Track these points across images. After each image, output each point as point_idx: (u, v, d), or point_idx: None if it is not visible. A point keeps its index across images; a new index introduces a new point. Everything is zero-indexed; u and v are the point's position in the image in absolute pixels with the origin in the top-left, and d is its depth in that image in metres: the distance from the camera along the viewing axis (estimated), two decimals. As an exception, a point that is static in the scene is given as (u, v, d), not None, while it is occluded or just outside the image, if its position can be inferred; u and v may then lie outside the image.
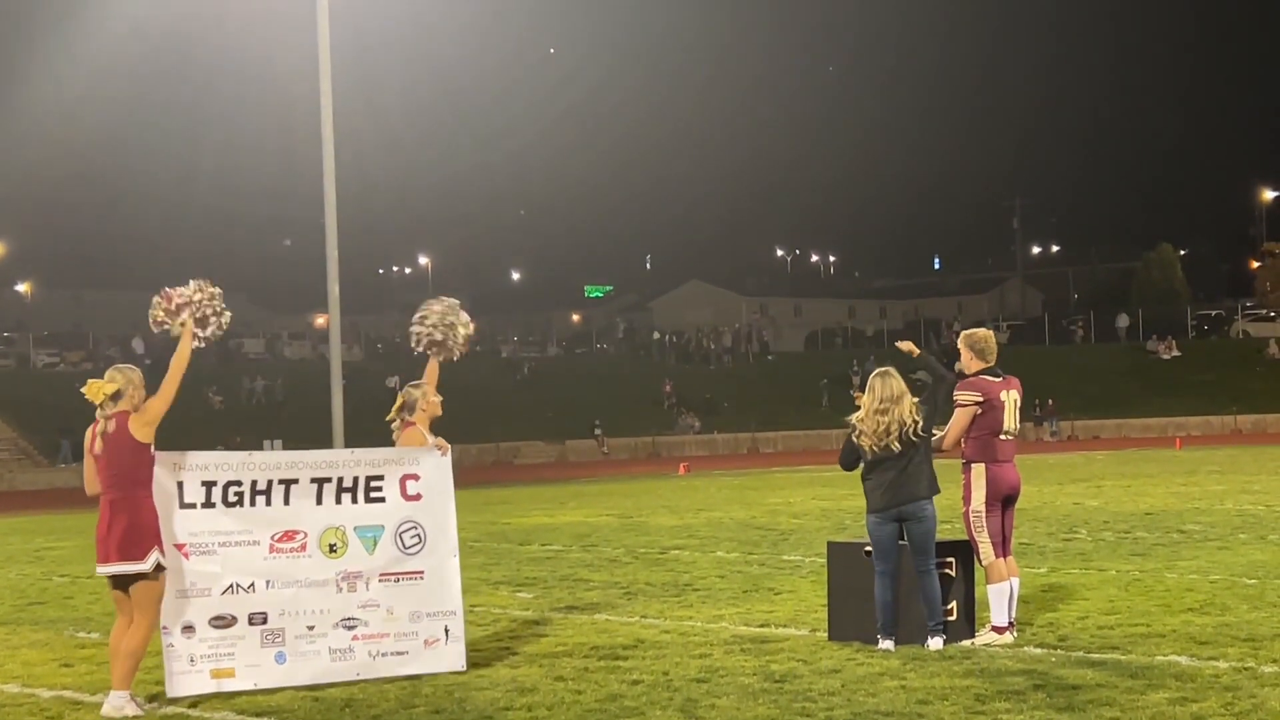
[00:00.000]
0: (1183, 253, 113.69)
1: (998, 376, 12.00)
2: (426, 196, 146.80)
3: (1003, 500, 11.88)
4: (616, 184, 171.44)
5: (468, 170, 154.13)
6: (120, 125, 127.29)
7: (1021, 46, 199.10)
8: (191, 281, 10.40)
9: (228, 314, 10.47)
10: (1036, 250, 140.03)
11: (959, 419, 11.85)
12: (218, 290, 10.43)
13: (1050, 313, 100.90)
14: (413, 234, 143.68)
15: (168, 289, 10.32)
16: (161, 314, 10.28)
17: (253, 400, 68.85)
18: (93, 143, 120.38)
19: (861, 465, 11.76)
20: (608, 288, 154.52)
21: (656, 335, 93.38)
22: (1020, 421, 12.17)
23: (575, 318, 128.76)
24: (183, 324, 10.23)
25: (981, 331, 12.44)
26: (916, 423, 11.52)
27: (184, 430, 62.93)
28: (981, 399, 11.81)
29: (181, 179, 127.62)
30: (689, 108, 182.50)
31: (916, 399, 11.64)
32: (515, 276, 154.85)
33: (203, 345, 10.36)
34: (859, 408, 11.78)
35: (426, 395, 11.85)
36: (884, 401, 11.51)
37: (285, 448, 51.01)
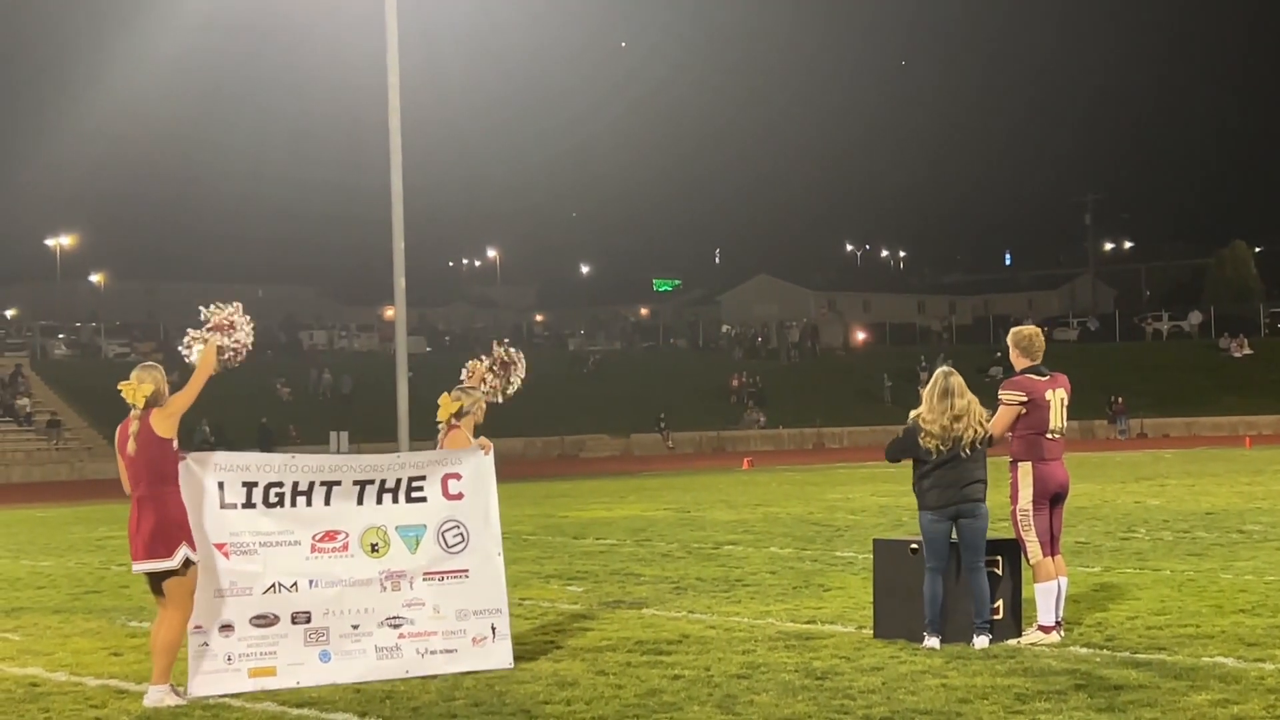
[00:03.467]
0: (1257, 250, 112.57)
1: (1043, 375, 11.94)
2: (495, 189, 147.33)
3: (1051, 498, 11.82)
4: (685, 178, 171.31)
5: (537, 163, 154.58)
6: (191, 120, 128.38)
7: (1094, 40, 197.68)
8: (227, 307, 10.45)
9: (251, 338, 10.54)
10: (1109, 246, 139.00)
11: (1002, 416, 11.81)
12: (249, 321, 10.51)
13: (1122, 310, 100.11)
14: (481, 226, 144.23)
15: (216, 316, 10.40)
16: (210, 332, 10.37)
17: (320, 392, 69.24)
18: (165, 137, 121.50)
19: (914, 464, 11.71)
20: (676, 281, 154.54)
21: (724, 329, 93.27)
22: (1066, 420, 12.10)
23: (643, 311, 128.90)
24: (207, 338, 10.32)
25: (1027, 329, 12.36)
26: (984, 430, 11.52)
27: (253, 420, 62.97)
28: (1026, 398, 11.77)
29: (251, 172, 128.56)
30: (759, 102, 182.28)
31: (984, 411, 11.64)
32: (584, 270, 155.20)
33: (224, 360, 10.42)
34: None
35: (479, 402, 11.94)
36: (959, 410, 11.49)
37: (351, 440, 51.50)
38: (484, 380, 12.25)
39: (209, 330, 10.32)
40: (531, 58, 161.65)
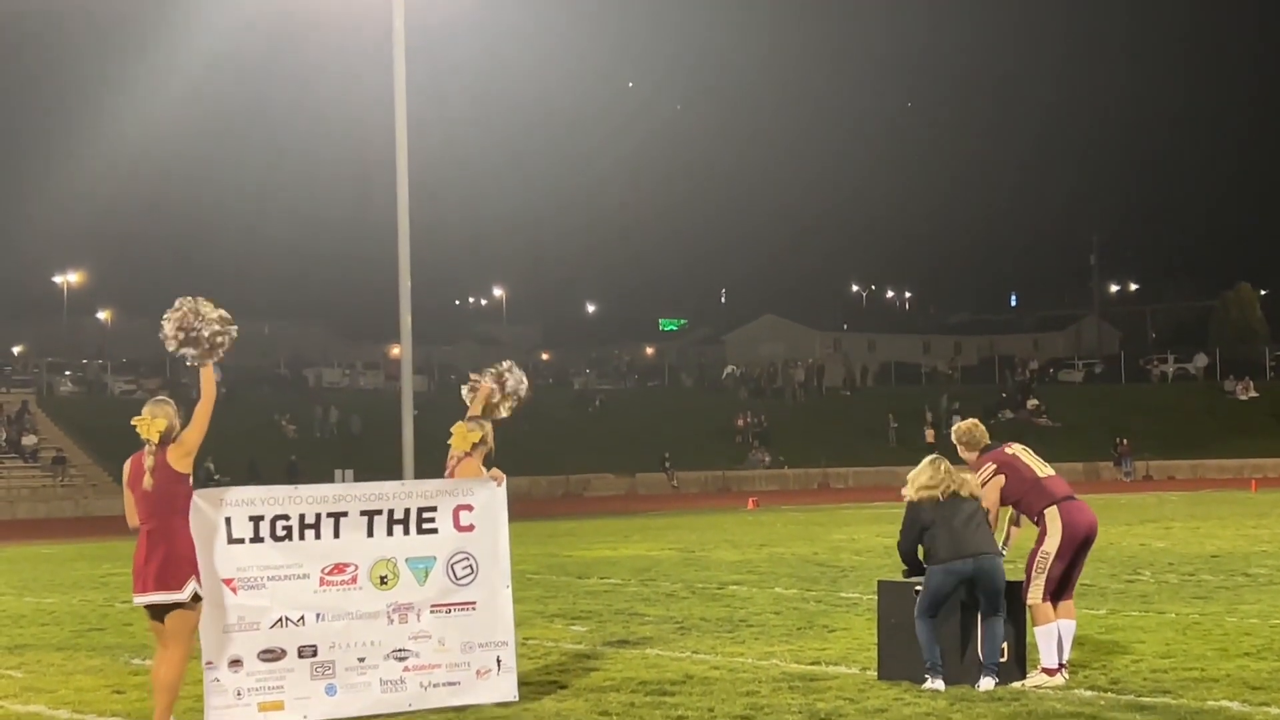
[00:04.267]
0: (1263, 292, 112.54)
1: (995, 446, 12.14)
2: (501, 228, 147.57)
3: (1080, 544, 11.74)
4: (691, 217, 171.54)
5: (543, 202, 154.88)
6: (199, 157, 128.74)
7: (1100, 83, 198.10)
8: (202, 305, 10.43)
9: (234, 330, 10.53)
10: (1114, 288, 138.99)
11: (989, 493, 11.90)
12: (224, 314, 10.50)
13: (1127, 351, 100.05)
14: (488, 265, 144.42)
15: (184, 306, 10.39)
16: (175, 329, 10.35)
17: (325, 429, 69.21)
18: (173, 174, 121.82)
19: (923, 532, 11.66)
20: (682, 321, 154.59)
21: (729, 369, 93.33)
22: (1047, 463, 12.25)
23: (649, 350, 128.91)
24: (194, 351, 10.32)
25: (964, 424, 12.53)
26: (980, 491, 11.63)
27: (256, 457, 62.86)
28: (994, 465, 11.91)
29: (259, 210, 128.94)
30: (765, 141, 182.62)
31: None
32: (590, 309, 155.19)
33: (220, 354, 10.45)
34: (929, 443, 11.83)
35: (489, 434, 11.96)
36: (945, 471, 11.64)
37: (356, 477, 51.44)
38: (491, 394, 12.26)
39: (180, 347, 10.32)
40: (538, 97, 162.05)
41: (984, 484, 11.84)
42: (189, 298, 10.46)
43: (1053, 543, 11.66)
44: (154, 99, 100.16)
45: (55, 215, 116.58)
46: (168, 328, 10.35)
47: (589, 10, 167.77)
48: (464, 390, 12.45)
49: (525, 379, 12.54)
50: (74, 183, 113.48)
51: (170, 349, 10.33)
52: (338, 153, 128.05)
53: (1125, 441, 69.92)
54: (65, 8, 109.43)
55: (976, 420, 12.57)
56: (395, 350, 63.19)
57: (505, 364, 12.57)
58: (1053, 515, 11.73)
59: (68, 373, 76.06)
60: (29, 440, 61.69)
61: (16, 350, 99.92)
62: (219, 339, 10.34)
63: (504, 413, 12.30)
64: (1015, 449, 12.14)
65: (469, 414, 12.14)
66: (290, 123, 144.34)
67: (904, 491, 11.80)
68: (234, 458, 53.59)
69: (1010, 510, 12.09)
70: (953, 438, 12.43)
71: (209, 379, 10.29)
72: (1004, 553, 11.78)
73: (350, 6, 36.88)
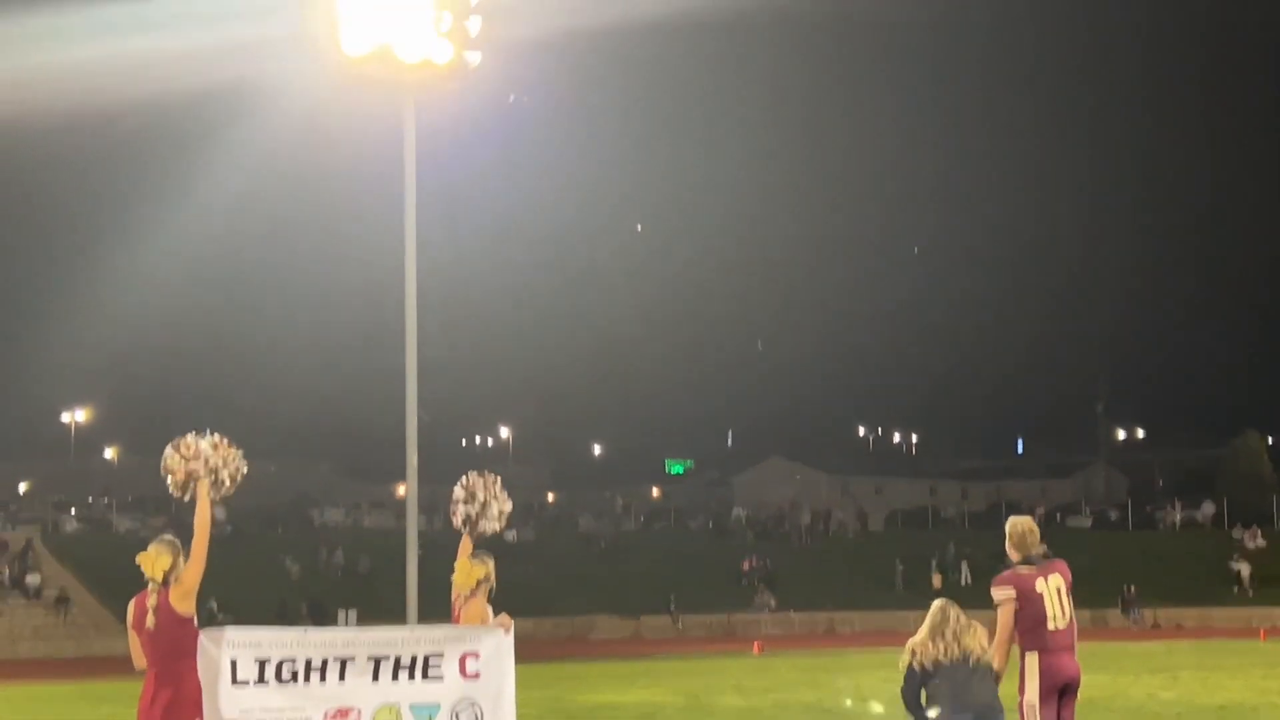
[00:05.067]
0: (1270, 440, 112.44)
1: (1033, 565, 11.89)
2: (509, 368, 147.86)
3: (1060, 690, 11.73)
4: (699, 360, 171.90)
5: (550, 343, 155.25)
6: (206, 297, 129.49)
7: (1107, 232, 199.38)
8: (205, 439, 10.49)
9: (244, 468, 10.57)
10: (1121, 435, 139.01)
11: (1001, 619, 11.77)
12: (237, 450, 10.54)
13: (1135, 498, 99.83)
14: (495, 405, 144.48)
15: (184, 441, 10.45)
16: (177, 466, 10.39)
17: (331, 569, 68.97)
18: (179, 313, 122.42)
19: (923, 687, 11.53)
20: (689, 462, 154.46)
21: (737, 512, 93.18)
22: (1070, 608, 11.93)
23: (655, 492, 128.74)
24: (198, 482, 10.35)
25: (1021, 524, 12.22)
26: (988, 651, 11.39)
27: (260, 597, 62.67)
28: (1014, 593, 11.73)
29: (266, 349, 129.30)
30: (772, 285, 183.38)
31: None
32: (596, 450, 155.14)
33: (217, 501, 10.48)
34: (937, 589, 11.75)
35: (492, 571, 11.94)
36: (953, 632, 11.41)
37: (360, 618, 51.24)
38: (474, 495, 12.17)
39: (191, 469, 10.34)
40: (546, 240, 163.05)
41: (998, 604, 11.76)
42: (189, 435, 10.53)
43: (1033, 689, 11.65)
44: (160, 241, 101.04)
45: (63, 354, 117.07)
46: (168, 463, 10.41)
47: (600, 154, 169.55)
48: (458, 490, 12.34)
49: (492, 496, 12.33)
50: (82, 321, 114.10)
51: (171, 486, 10.38)
52: (345, 292, 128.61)
53: (1133, 589, 69.56)
54: (68, 150, 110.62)
55: (1034, 525, 12.27)
56: (401, 489, 63.17)
57: (474, 478, 12.41)
58: (1032, 661, 11.71)
59: (73, 510, 76.03)
60: (33, 579, 61.50)
61: (22, 488, 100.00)
62: (223, 475, 10.38)
63: (494, 526, 12.23)
64: (1051, 584, 11.82)
65: (461, 545, 12.08)
66: (298, 262, 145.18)
67: (911, 643, 11.61)
68: (238, 597, 53.38)
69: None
70: (1006, 528, 12.26)
71: (204, 511, 10.32)
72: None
73: (360, 151, 37.32)
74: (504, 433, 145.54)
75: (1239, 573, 73.38)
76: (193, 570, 10.07)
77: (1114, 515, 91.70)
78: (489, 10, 21.39)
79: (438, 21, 20.84)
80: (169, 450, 10.45)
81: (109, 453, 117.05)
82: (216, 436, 10.55)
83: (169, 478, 10.44)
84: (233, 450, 10.53)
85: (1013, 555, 12.00)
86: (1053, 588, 11.80)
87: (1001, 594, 11.76)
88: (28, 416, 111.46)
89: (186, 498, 10.42)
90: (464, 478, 12.34)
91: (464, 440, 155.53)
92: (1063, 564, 11.99)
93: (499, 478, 12.41)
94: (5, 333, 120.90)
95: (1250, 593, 72.20)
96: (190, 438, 10.47)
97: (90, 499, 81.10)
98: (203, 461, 10.38)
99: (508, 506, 12.33)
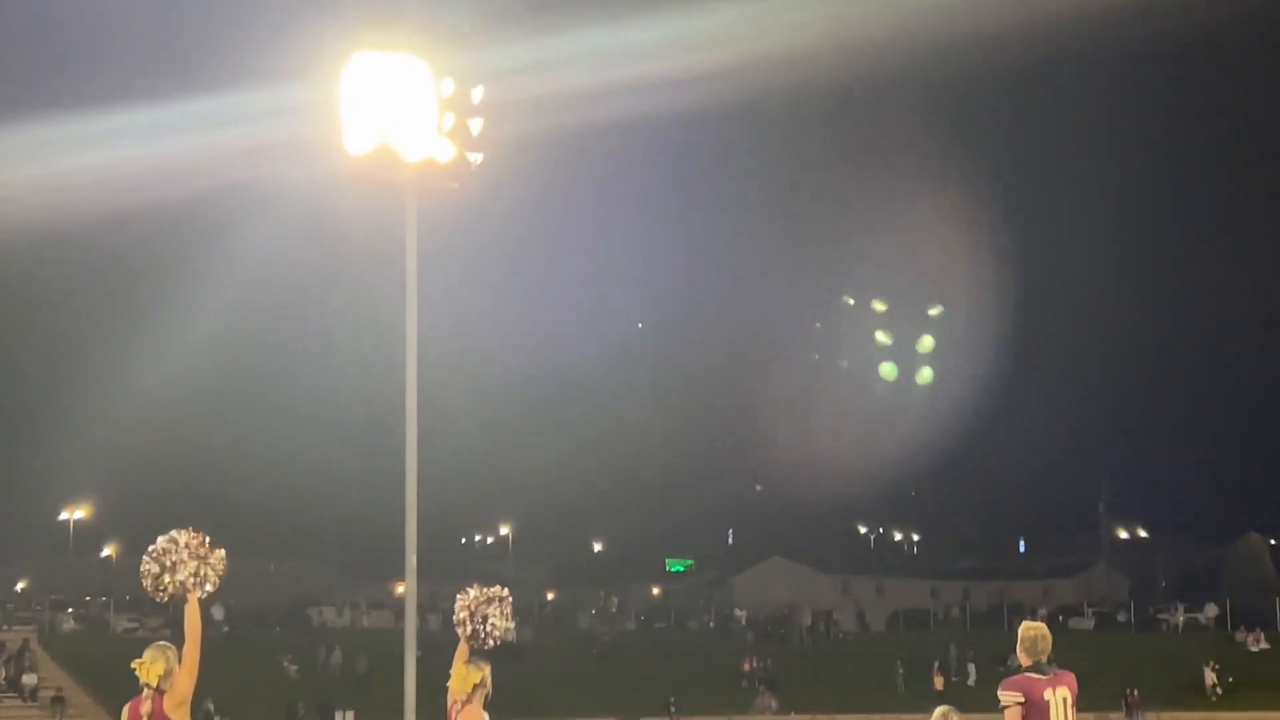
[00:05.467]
0: (1273, 542, 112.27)
1: (1044, 674, 11.80)
2: (508, 467, 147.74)
3: None
4: (699, 459, 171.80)
5: (550, 442, 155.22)
6: (205, 397, 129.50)
7: (1108, 334, 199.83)
8: (181, 535, 10.43)
9: (223, 563, 10.51)
10: (1124, 535, 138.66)
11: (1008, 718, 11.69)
12: (220, 553, 10.49)
13: (1136, 599, 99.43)
14: (494, 503, 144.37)
15: (157, 549, 10.39)
16: (159, 570, 10.33)
17: (329, 670, 68.53)
18: (180, 410, 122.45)
19: None
20: (689, 562, 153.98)
21: (738, 612, 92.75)
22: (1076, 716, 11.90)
23: (655, 591, 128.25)
24: (180, 584, 10.30)
25: (1033, 629, 12.13)
26: None
27: (257, 697, 62.22)
28: (1022, 699, 11.64)
29: (265, 449, 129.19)
30: (774, 385, 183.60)
31: None
32: (596, 548, 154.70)
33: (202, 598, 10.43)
34: (939, 691, 11.69)
35: (488, 676, 11.86)
36: None
37: (358, 719, 50.82)
38: (473, 613, 12.09)
39: (174, 565, 10.28)
40: (546, 339, 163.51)
41: (1004, 708, 11.67)
42: (160, 540, 10.48)
43: None
44: (161, 339, 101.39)
45: (63, 451, 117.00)
46: (146, 567, 10.36)
47: (599, 251, 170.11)
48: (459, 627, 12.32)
49: (498, 616, 12.28)
50: (83, 419, 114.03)
51: (149, 587, 10.33)
52: (344, 392, 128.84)
53: (1135, 692, 69.11)
54: (73, 253, 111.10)
55: (1046, 632, 12.17)
56: (400, 588, 62.97)
57: (482, 595, 12.35)
58: None
59: (70, 610, 75.63)
60: (29, 679, 61.08)
61: (19, 587, 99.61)
62: (203, 571, 10.33)
63: (492, 643, 12.17)
64: (1058, 695, 11.73)
65: (458, 651, 12.02)
66: (297, 363, 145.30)
67: None
68: (235, 698, 52.99)
69: None
70: (1019, 631, 12.14)
71: (194, 620, 10.26)
72: None
73: (362, 251, 37.40)
74: (504, 531, 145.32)
75: (1206, 679, 73.00)
76: (185, 679, 10.02)
77: (1119, 616, 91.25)
78: (491, 110, 21.52)
79: (440, 121, 20.95)
80: (146, 560, 10.41)
81: (107, 550, 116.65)
82: (190, 532, 10.50)
83: (146, 582, 10.39)
84: (215, 552, 10.47)
85: (1023, 660, 11.92)
86: (1059, 699, 11.74)
87: (1009, 698, 11.67)
88: (25, 516, 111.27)
89: (166, 600, 10.37)
90: (464, 593, 12.32)
91: (463, 538, 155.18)
92: (1071, 676, 11.91)
93: (507, 595, 12.40)
94: (5, 430, 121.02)
95: (1213, 699, 71.76)
96: (162, 542, 10.42)
97: (88, 598, 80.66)
98: (189, 572, 10.33)
99: (510, 624, 12.30)
